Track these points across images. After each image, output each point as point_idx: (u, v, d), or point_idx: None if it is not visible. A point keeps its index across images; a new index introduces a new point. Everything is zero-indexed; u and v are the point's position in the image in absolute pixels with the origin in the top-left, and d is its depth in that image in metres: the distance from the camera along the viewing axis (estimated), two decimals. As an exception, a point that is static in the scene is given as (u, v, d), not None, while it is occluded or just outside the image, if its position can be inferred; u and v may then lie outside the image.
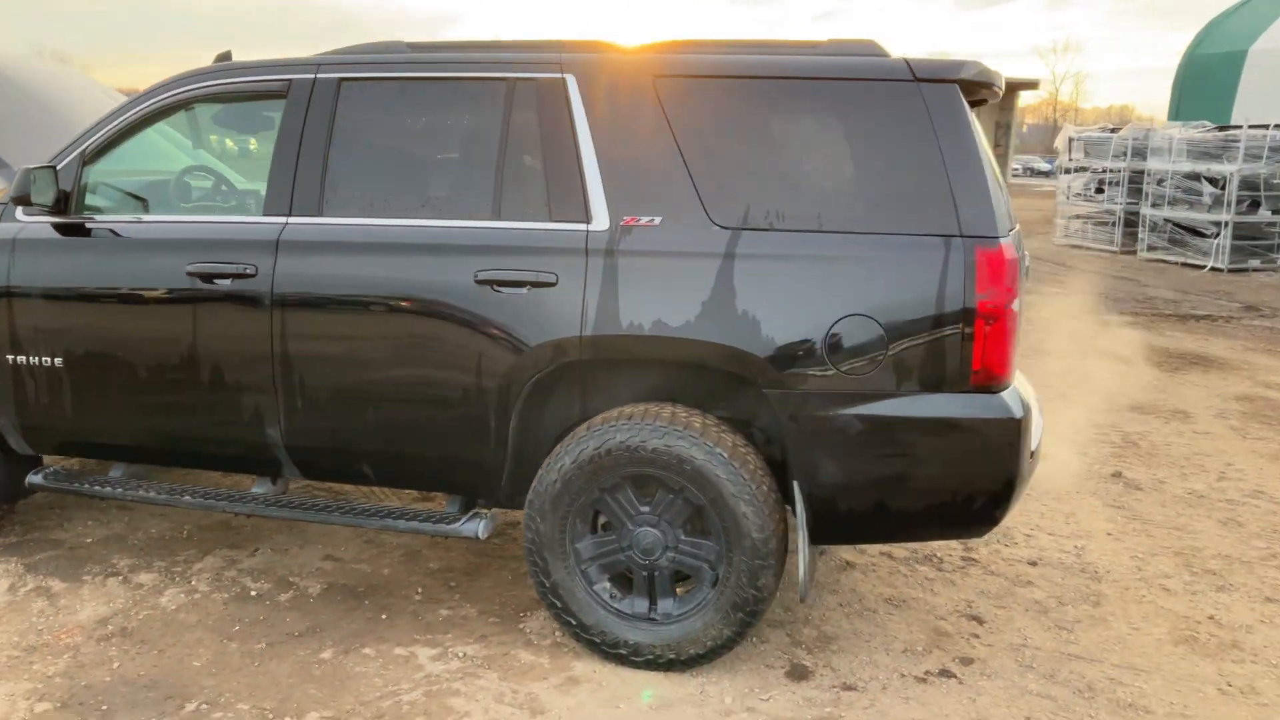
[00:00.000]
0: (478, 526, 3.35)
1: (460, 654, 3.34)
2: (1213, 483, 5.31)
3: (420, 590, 3.79)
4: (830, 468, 3.04)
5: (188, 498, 3.64)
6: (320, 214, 3.37)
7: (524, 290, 3.14)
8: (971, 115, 3.01)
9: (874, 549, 4.25)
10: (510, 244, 3.19)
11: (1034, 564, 4.21)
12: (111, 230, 3.61)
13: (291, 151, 3.40)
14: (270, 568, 3.96)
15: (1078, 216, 18.69)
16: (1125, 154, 17.32)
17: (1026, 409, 3.02)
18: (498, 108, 3.26)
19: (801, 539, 3.09)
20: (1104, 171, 17.91)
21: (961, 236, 2.92)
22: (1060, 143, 19.71)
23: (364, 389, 3.34)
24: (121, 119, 3.64)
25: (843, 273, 2.98)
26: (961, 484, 3.03)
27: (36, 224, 3.65)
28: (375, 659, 3.30)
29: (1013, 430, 2.95)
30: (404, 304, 3.25)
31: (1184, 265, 15.48)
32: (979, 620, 3.69)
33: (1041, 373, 7.70)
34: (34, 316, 3.63)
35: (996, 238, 2.92)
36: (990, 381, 2.94)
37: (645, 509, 3.19)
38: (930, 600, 3.84)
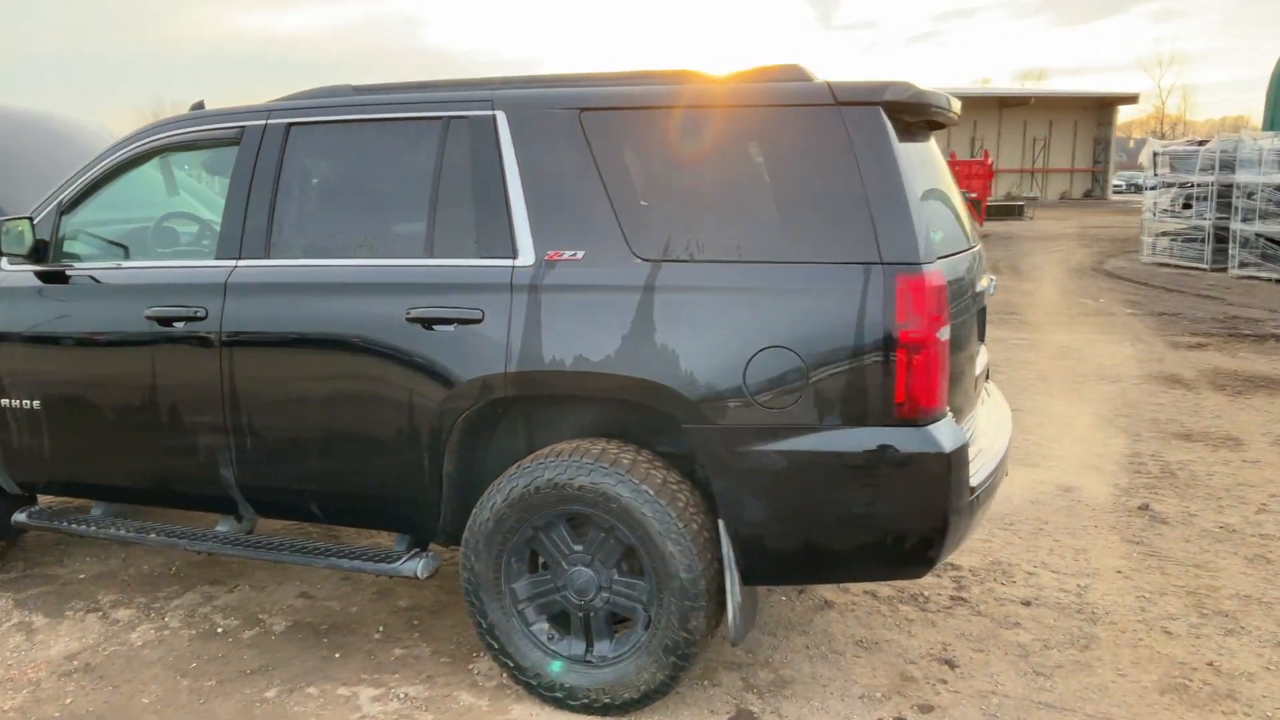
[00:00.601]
0: (417, 566, 3.34)
1: (402, 694, 3.32)
2: (1250, 516, 4.96)
3: (382, 629, 3.79)
4: (755, 505, 2.93)
5: (153, 536, 3.73)
6: (267, 256, 3.44)
7: (452, 328, 3.13)
8: (894, 138, 2.88)
9: (857, 587, 4.08)
10: (438, 281, 3.19)
11: (1028, 604, 3.98)
12: (87, 276, 3.75)
13: (242, 196, 3.48)
14: (243, 604, 4.02)
15: (1165, 233, 17.90)
16: (1213, 167, 16.54)
17: (961, 442, 2.86)
18: (432, 147, 3.28)
19: (729, 579, 2.98)
20: (1192, 186, 17.13)
21: (882, 264, 2.80)
22: (1145, 158, 18.95)
23: (305, 428, 3.38)
24: (95, 170, 3.79)
25: (761, 303, 2.89)
26: (891, 522, 2.88)
27: (17, 273, 3.82)
28: (317, 699, 3.30)
29: (942, 465, 2.80)
30: (340, 344, 3.28)
31: (1277, 282, 14.65)
32: (951, 665, 3.50)
33: (1092, 399, 7.36)
34: (14, 361, 3.79)
35: (919, 264, 2.78)
36: (917, 414, 2.80)
37: (579, 548, 3.13)
38: (904, 643, 3.66)
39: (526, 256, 3.11)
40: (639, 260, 3.00)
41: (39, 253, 3.75)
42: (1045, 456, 5.92)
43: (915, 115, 3.11)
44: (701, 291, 2.93)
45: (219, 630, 3.80)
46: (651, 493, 2.95)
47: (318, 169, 3.48)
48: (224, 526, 3.76)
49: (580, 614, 3.16)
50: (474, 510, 3.18)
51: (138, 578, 4.31)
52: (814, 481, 2.88)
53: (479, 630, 3.23)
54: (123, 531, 3.79)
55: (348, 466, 3.36)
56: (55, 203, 3.80)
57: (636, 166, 3.08)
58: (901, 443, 2.80)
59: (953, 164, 25.64)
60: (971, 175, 23.39)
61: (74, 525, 3.89)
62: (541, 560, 3.23)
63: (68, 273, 3.78)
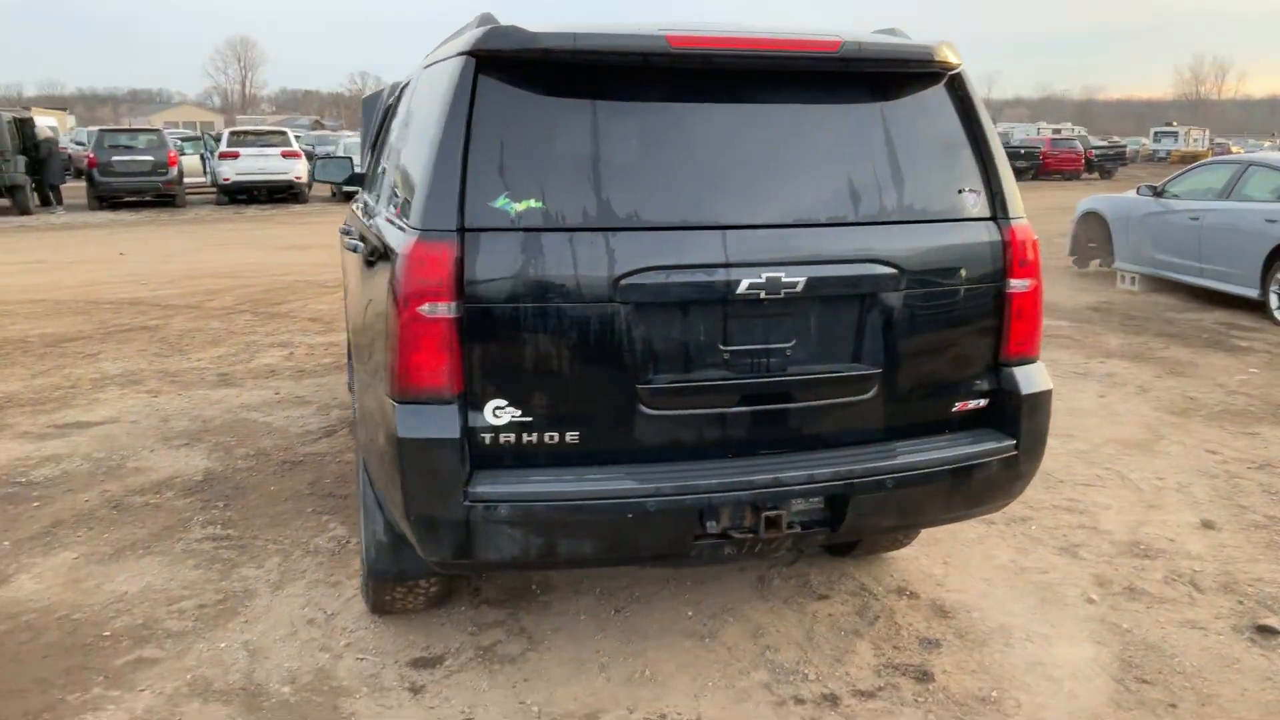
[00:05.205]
0: None
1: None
2: None
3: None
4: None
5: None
6: None
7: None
8: (460, 93, 2.57)
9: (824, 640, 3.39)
10: None
11: None
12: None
13: None
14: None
15: None
16: None
17: (438, 434, 2.56)
18: None
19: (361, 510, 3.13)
20: None
21: (406, 229, 2.67)
22: None
23: None
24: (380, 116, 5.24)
25: None
26: (393, 499, 2.75)
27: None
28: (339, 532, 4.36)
29: (395, 449, 2.60)
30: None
31: None
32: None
33: None
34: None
35: (414, 230, 2.61)
36: (401, 390, 2.61)
37: None
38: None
39: None
40: None
41: (357, 181, 5.37)
42: None
43: (565, 63, 2.61)
44: None
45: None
46: None
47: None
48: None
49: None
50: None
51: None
52: (373, 439, 2.88)
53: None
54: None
55: None
56: (370, 143, 5.39)
57: None
58: (386, 416, 2.63)
59: None
60: None
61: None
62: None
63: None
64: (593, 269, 2.58)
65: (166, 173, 21.04)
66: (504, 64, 2.61)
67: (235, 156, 21.79)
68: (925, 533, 4.16)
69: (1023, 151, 35.96)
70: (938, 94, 2.95)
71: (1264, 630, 3.47)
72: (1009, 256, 2.95)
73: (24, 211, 19.72)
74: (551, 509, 2.58)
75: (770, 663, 3.26)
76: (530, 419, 2.63)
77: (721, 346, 2.70)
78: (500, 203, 2.57)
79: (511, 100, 2.62)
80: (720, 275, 2.63)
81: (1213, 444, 5.53)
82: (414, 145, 2.94)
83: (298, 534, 4.26)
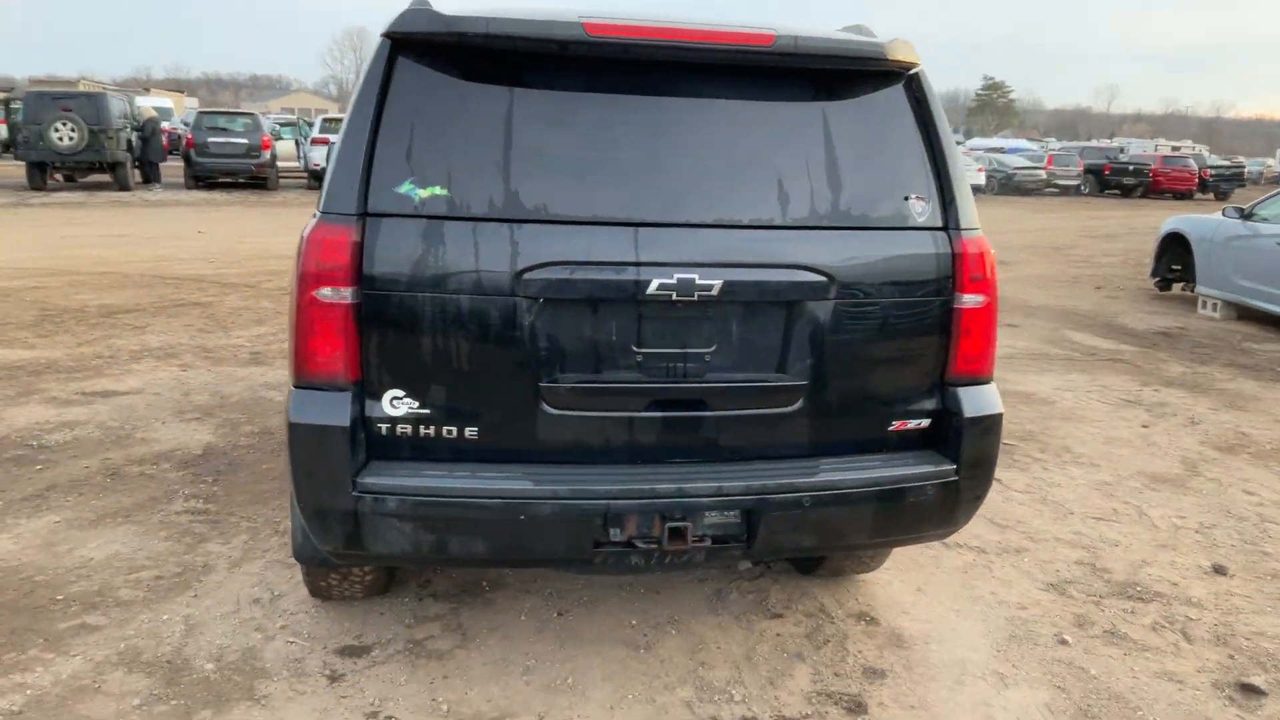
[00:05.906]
0: None
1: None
2: None
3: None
4: None
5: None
6: None
7: None
8: (373, 75, 2.51)
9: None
10: None
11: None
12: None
13: None
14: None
15: None
16: None
17: (339, 421, 2.50)
18: None
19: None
20: None
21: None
22: None
23: None
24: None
25: None
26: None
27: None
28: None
29: (289, 434, 2.54)
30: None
31: None
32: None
33: None
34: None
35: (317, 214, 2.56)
36: (298, 374, 2.57)
37: None
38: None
39: None
40: None
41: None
42: None
43: (481, 47, 2.52)
44: None
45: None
46: None
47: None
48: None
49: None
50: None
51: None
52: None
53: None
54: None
55: None
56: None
57: None
58: (287, 400, 2.60)
59: None
60: None
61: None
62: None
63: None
64: (495, 261, 2.50)
65: (259, 156, 21.77)
66: (419, 47, 2.55)
67: (326, 143, 22.35)
68: (904, 557, 3.99)
69: (1130, 168, 34.57)
70: (892, 95, 2.79)
71: (1246, 689, 3.20)
72: (959, 270, 2.77)
73: (123, 187, 20.63)
74: (440, 505, 2.52)
75: (700, 680, 3.14)
76: (428, 411, 2.57)
77: (634, 348, 2.59)
78: (405, 188, 2.51)
79: (427, 84, 2.56)
80: (629, 274, 2.52)
81: (1253, 484, 5.16)
82: None
83: (273, 513, 4.30)
